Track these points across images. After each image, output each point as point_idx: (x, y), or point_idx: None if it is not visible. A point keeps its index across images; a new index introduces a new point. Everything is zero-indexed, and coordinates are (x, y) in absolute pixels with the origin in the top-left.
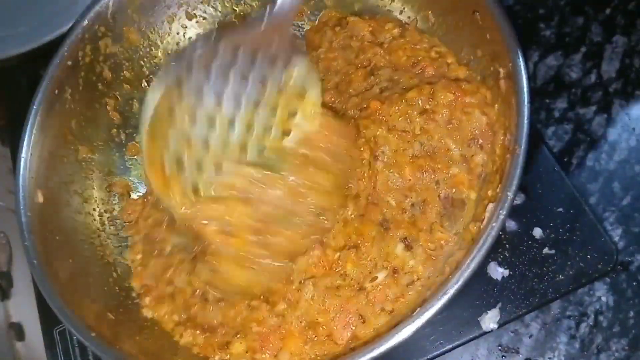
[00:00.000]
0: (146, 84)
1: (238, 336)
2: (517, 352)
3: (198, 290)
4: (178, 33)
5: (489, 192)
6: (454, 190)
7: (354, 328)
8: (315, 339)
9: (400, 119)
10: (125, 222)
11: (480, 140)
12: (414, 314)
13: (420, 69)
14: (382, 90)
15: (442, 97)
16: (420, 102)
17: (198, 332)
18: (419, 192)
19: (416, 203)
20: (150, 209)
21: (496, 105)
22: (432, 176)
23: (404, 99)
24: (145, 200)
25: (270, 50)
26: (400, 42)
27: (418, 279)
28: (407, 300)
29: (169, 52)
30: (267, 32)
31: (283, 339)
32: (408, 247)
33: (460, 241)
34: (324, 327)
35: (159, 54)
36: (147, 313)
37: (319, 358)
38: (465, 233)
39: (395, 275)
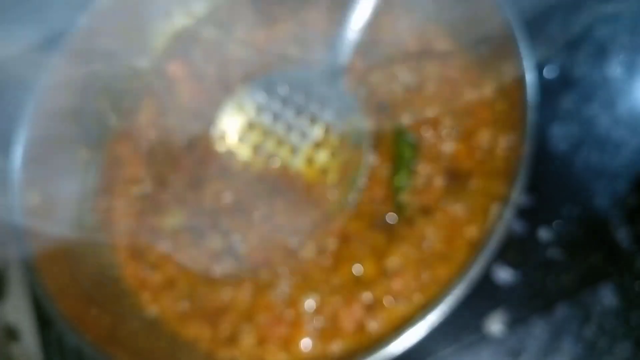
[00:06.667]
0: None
1: (246, 326)
2: (521, 355)
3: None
4: (178, 33)
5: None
6: (452, 163)
7: (361, 317)
8: (321, 325)
9: (379, 88)
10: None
11: (477, 115)
12: (415, 317)
13: (404, 46)
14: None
15: (429, 70)
16: (403, 76)
17: (203, 323)
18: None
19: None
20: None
21: (491, 84)
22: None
23: (387, 71)
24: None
25: (322, 92)
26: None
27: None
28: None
29: (169, 51)
30: (323, 75)
31: (291, 326)
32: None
33: (472, 215)
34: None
35: (159, 54)
36: (151, 309)
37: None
38: (476, 205)
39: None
